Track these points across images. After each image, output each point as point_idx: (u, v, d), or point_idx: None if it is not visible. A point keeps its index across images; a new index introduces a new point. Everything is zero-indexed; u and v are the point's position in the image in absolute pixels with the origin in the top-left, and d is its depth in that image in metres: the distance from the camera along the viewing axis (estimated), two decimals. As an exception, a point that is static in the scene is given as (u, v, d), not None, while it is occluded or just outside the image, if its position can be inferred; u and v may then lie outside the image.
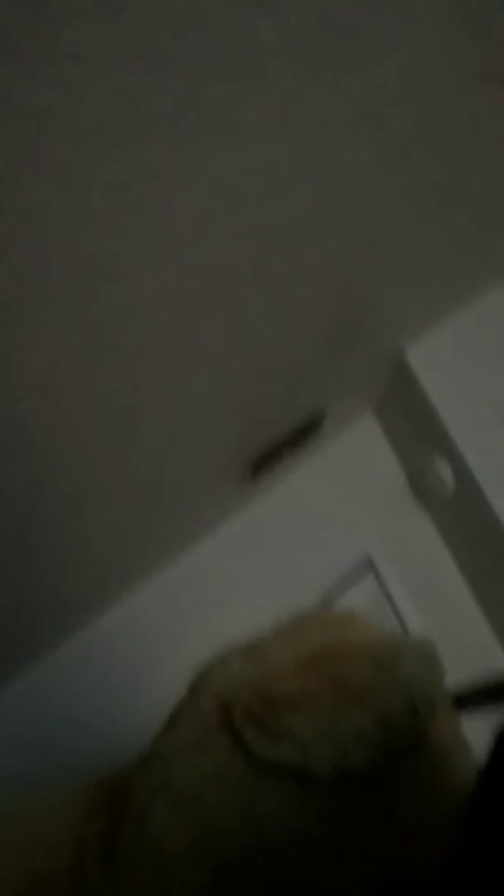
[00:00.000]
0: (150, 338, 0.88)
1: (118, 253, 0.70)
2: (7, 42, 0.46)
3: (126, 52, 0.52)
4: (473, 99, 0.92)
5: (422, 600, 1.96)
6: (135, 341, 0.86)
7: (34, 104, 0.50)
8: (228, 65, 0.60)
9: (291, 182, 0.81)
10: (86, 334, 0.78)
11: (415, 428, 1.89)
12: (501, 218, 1.36)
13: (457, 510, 1.88)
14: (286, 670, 0.69)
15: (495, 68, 0.89)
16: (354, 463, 2.00)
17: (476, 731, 0.63)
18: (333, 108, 0.74)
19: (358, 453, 2.01)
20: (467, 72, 0.86)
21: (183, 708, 0.71)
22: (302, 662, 0.69)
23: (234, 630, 0.76)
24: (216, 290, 0.89)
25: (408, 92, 0.80)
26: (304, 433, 1.66)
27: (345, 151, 0.82)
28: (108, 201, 0.63)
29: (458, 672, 0.70)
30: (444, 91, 0.86)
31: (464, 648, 1.70)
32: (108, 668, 1.79)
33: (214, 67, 0.59)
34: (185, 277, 0.83)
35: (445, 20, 0.74)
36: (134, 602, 1.85)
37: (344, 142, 0.80)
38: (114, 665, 1.80)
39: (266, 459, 1.62)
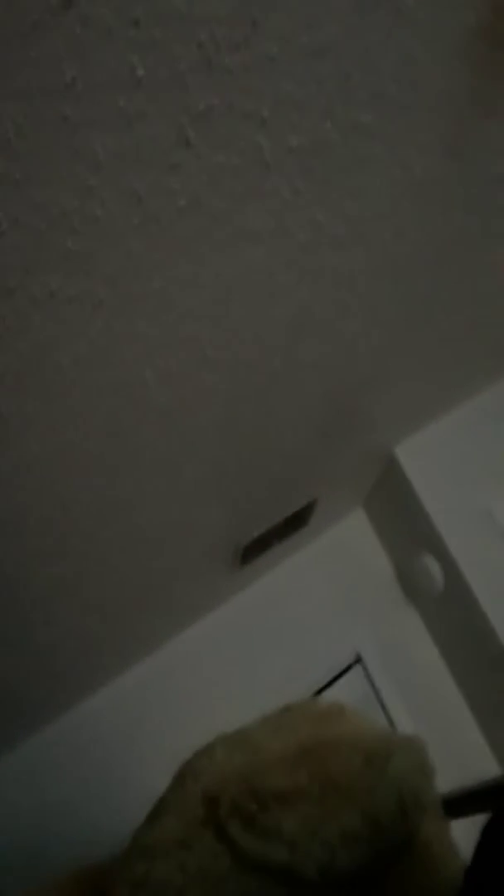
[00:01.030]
0: (148, 423, 0.92)
1: (118, 339, 0.75)
2: (28, 145, 0.51)
3: (136, 158, 0.58)
4: (462, 222, 1.02)
5: (410, 697, 1.91)
6: (132, 426, 0.90)
7: (50, 201, 0.57)
8: (232, 174, 0.66)
9: (286, 282, 0.86)
10: (86, 417, 0.82)
11: (404, 523, 1.90)
12: (490, 324, 1.46)
13: (445, 608, 1.86)
14: (274, 763, 0.68)
15: (480, 200, 1.00)
16: (343, 556, 2.00)
17: (463, 835, 0.62)
18: (327, 218, 0.81)
19: (347, 546, 2.02)
20: (454, 201, 0.96)
21: (168, 798, 0.69)
22: (290, 756, 0.68)
23: (220, 720, 0.75)
24: (212, 381, 0.93)
25: (397, 210, 0.89)
26: (293, 523, 1.68)
27: (338, 257, 0.89)
28: (111, 289, 0.68)
29: (446, 772, 0.69)
30: (433, 214, 0.95)
31: (452, 748, 1.64)
32: (92, 754, 1.72)
33: (218, 176, 0.65)
34: (183, 368, 0.86)
35: (434, 154, 0.84)
36: (119, 688, 1.79)
37: (337, 249, 0.87)
38: (97, 752, 1.72)
39: (255, 548, 1.63)
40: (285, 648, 1.89)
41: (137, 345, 0.78)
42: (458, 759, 1.26)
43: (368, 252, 0.94)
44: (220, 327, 0.85)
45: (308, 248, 0.84)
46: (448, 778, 0.69)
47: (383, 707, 1.91)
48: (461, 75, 0.75)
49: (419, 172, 0.86)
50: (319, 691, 1.90)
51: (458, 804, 0.68)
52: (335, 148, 0.72)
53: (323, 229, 0.83)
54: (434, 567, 1.84)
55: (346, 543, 2.02)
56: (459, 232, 1.05)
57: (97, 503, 1.00)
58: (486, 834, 0.45)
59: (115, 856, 0.67)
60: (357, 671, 1.97)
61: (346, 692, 1.94)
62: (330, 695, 1.90)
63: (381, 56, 0.66)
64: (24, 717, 1.56)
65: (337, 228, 0.84)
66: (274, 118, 0.64)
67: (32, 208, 0.55)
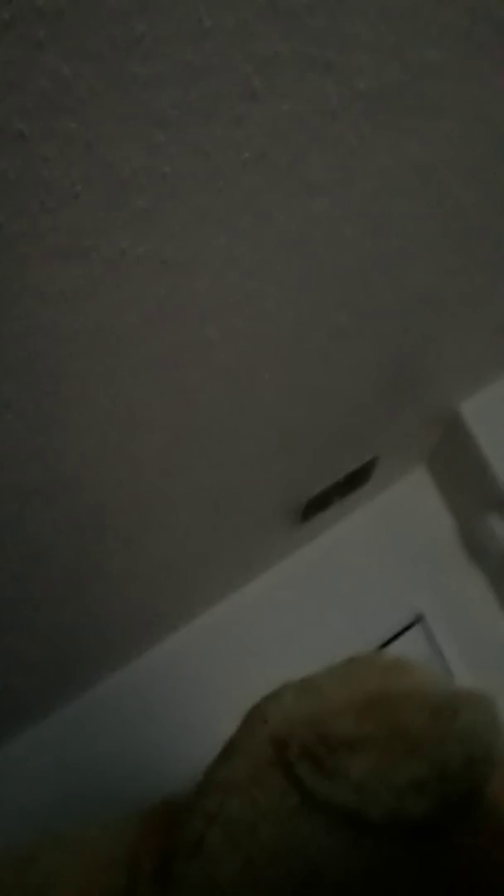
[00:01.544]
0: (212, 381, 0.93)
1: (184, 297, 0.76)
2: (100, 105, 0.52)
3: (203, 112, 0.58)
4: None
5: (473, 658, 1.92)
6: (197, 384, 0.91)
7: (120, 160, 0.57)
8: (296, 124, 0.65)
9: (350, 233, 0.85)
10: (154, 376, 0.84)
11: (469, 483, 1.87)
12: None
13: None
14: (341, 710, 0.69)
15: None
16: (405, 514, 1.98)
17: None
18: (392, 163, 0.78)
19: (409, 505, 1.99)
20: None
21: (238, 740, 0.72)
22: (357, 704, 0.69)
23: (284, 672, 0.77)
24: (276, 333, 0.93)
25: (467, 155, 0.86)
26: (354, 480, 1.67)
27: (402, 205, 0.86)
28: (177, 249, 0.69)
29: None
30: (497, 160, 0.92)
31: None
32: (160, 701, 1.80)
33: (283, 126, 0.64)
34: (247, 326, 0.87)
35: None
36: (184, 639, 1.85)
37: (401, 197, 0.85)
38: (166, 699, 1.80)
39: (316, 504, 1.64)
40: (346, 605, 1.90)
41: (202, 303, 0.78)
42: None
43: (437, 200, 0.91)
44: (283, 284, 0.85)
45: (373, 196, 0.82)
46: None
47: (445, 667, 1.92)
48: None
49: (491, 113, 0.82)
50: (381, 647, 1.92)
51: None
52: (403, 90, 0.70)
53: (389, 176, 0.80)
54: (501, 529, 1.81)
55: (409, 502, 1.99)
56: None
57: (163, 460, 1.03)
58: None
59: (185, 793, 0.70)
60: (419, 630, 1.98)
61: (407, 651, 1.94)
62: (392, 651, 1.89)
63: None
64: (90, 665, 1.64)
65: (403, 175, 0.82)
66: (340, 62, 0.62)
67: (104, 168, 0.56)
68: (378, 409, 1.42)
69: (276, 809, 0.62)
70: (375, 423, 1.49)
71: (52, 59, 0.47)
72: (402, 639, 1.96)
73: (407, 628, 1.97)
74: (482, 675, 1.87)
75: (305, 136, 0.67)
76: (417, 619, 1.98)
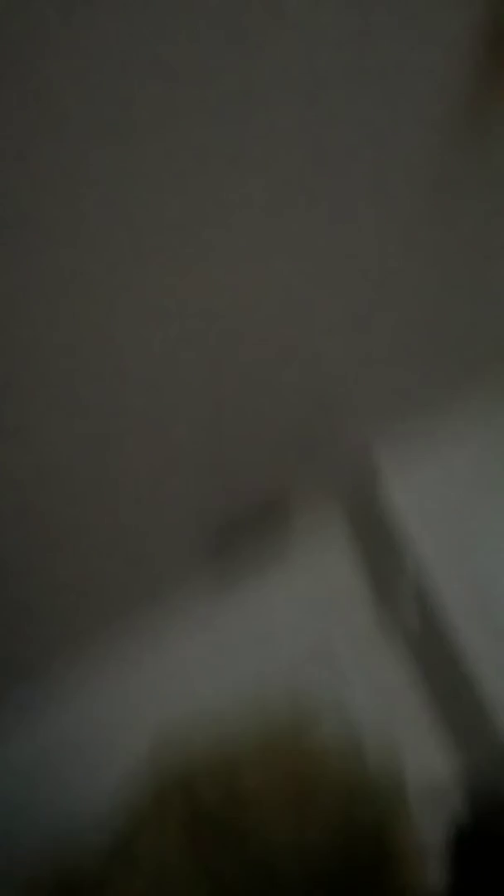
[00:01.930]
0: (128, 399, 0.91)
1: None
2: None
3: None
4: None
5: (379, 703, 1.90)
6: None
7: None
8: None
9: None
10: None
11: (384, 537, 1.89)
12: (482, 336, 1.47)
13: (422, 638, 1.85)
14: (250, 763, 0.68)
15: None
16: (320, 564, 1.99)
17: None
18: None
19: (323, 555, 2.01)
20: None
21: (140, 793, 0.69)
22: (265, 755, 0.69)
23: (191, 717, 0.74)
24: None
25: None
26: (268, 520, 1.67)
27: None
28: None
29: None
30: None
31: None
32: (58, 746, 1.66)
33: None
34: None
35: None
36: (88, 684, 1.75)
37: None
38: (64, 743, 1.66)
39: (226, 541, 1.61)
40: (260, 649, 1.86)
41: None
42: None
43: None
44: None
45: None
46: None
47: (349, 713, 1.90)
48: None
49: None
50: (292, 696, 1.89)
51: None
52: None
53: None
54: (412, 585, 1.84)
55: (324, 553, 1.99)
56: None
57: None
58: (457, 847, 0.46)
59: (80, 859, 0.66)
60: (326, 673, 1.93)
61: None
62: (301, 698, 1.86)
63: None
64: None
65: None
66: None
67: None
68: (293, 445, 1.43)
69: (177, 873, 0.58)
70: (291, 459, 1.49)
71: None
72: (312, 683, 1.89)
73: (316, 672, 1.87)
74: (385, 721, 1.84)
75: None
76: (327, 661, 1.92)
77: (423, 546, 1.79)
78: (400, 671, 1.98)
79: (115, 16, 0.46)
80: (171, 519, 1.39)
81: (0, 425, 0.82)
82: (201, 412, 1.11)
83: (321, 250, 0.91)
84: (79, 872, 0.65)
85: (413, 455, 1.80)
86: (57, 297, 0.71)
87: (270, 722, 0.73)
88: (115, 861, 0.63)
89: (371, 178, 0.82)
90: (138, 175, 0.63)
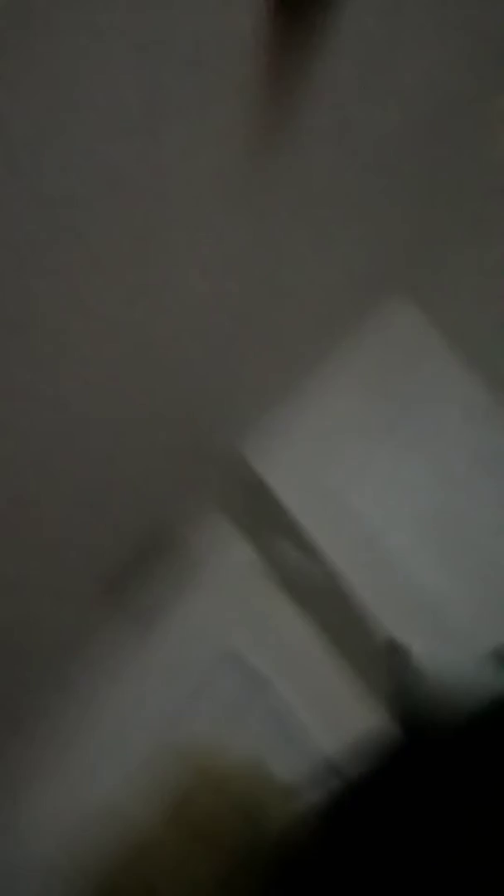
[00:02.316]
0: None
1: None
2: None
3: None
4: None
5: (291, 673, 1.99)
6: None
7: None
8: None
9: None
10: None
11: (262, 515, 1.96)
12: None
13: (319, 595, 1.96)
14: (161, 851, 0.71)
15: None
16: (211, 565, 2.01)
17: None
18: None
19: (212, 554, 2.02)
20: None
21: None
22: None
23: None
24: None
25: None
26: (155, 549, 1.65)
27: None
28: None
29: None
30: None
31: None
32: None
33: None
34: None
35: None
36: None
37: None
38: None
39: (121, 582, 1.59)
40: (169, 678, 1.88)
41: None
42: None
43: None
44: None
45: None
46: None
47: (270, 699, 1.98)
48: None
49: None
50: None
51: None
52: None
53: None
54: (298, 555, 1.92)
55: (212, 549, 2.01)
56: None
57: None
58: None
59: None
60: (233, 668, 2.00)
61: (227, 696, 1.95)
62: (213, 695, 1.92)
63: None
64: None
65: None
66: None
67: None
68: (166, 466, 1.41)
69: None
70: (167, 481, 1.47)
71: None
72: (223, 683, 1.95)
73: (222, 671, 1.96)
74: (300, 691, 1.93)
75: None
76: (234, 659, 1.99)
77: (300, 511, 1.87)
78: (303, 634, 2.10)
79: None
80: (62, 573, 1.33)
81: None
82: (71, 459, 1.05)
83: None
84: None
85: (270, 439, 1.86)
86: None
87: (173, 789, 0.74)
88: None
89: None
90: None
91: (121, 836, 0.68)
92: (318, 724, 1.88)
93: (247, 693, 1.98)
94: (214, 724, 1.88)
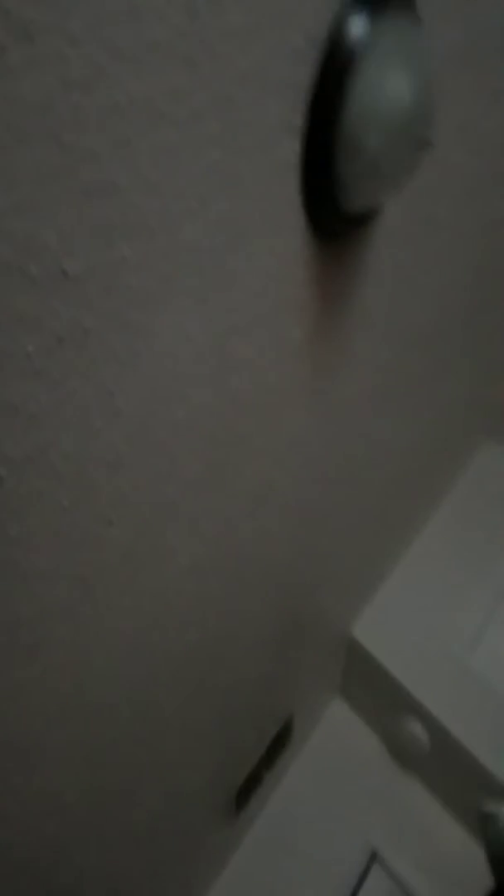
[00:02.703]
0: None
1: None
2: None
3: None
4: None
5: (435, 876, 1.81)
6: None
7: None
8: None
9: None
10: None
11: (380, 697, 1.87)
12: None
13: (437, 763, 1.83)
14: None
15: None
16: (332, 752, 1.92)
17: None
18: None
19: (333, 741, 1.93)
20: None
21: None
22: None
23: None
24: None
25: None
26: (276, 747, 1.57)
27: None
28: None
29: None
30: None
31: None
32: None
33: None
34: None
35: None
36: None
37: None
38: None
39: (246, 788, 1.50)
40: (304, 873, 1.73)
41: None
42: None
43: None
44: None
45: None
46: None
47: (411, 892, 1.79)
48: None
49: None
50: None
51: None
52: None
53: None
54: (417, 728, 1.80)
55: (332, 739, 1.95)
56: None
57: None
58: None
59: None
60: (378, 869, 1.84)
61: (374, 891, 1.81)
62: None
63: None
64: None
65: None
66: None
67: None
68: (278, 668, 1.39)
69: None
70: (280, 683, 1.44)
71: None
72: (367, 883, 1.82)
73: (367, 871, 1.83)
74: (445, 887, 1.77)
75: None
76: (373, 858, 1.84)
77: (410, 679, 1.78)
78: (432, 809, 1.91)
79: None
80: (196, 816, 1.28)
81: None
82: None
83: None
84: None
85: (380, 614, 1.84)
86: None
87: None
88: None
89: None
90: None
91: None
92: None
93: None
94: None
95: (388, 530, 1.66)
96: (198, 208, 0.45)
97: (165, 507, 0.61)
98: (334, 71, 0.55)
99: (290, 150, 0.53)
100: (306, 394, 0.81)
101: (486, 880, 1.79)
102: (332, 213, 0.63)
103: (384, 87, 0.57)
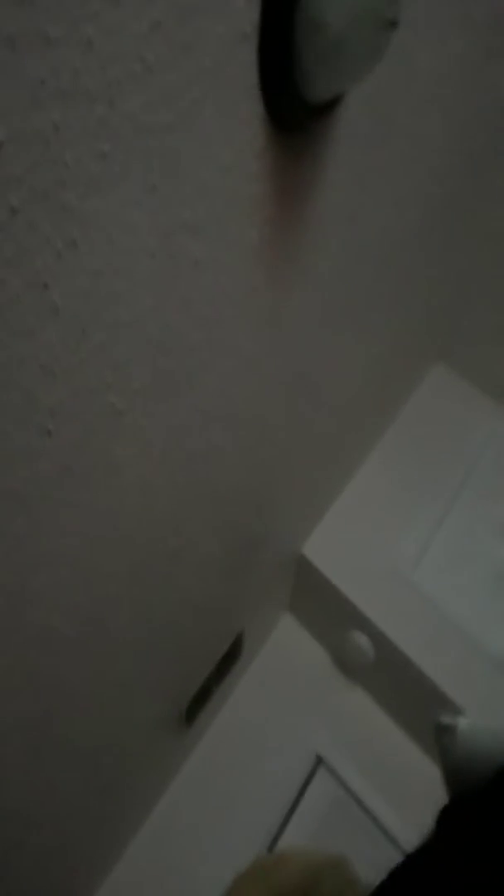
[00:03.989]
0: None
1: None
2: None
3: None
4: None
5: (376, 772, 1.94)
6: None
7: None
8: None
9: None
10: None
11: (328, 612, 1.95)
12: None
13: (382, 672, 1.92)
14: None
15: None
16: (281, 665, 2.00)
17: None
18: None
19: (282, 655, 2.02)
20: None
21: None
22: None
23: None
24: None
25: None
26: (226, 662, 1.62)
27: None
28: None
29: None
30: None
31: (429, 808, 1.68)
32: None
33: None
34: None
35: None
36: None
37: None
38: None
39: (197, 703, 1.55)
40: (253, 781, 1.85)
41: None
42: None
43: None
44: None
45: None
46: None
47: (356, 798, 1.92)
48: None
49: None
50: (292, 809, 1.89)
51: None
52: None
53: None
54: (362, 640, 1.88)
55: (281, 652, 2.03)
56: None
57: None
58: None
59: None
60: (323, 773, 1.96)
61: (319, 798, 1.93)
62: (306, 805, 1.90)
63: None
64: None
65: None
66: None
67: None
68: (229, 589, 1.41)
69: None
70: (231, 603, 1.46)
71: None
72: (312, 786, 1.94)
73: (311, 777, 1.95)
74: (387, 785, 1.90)
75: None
76: (318, 763, 1.96)
77: (357, 595, 1.84)
78: (378, 718, 2.04)
79: None
80: (146, 729, 1.31)
81: None
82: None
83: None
84: None
85: (329, 533, 1.88)
86: None
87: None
88: None
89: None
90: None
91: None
92: (399, 820, 1.82)
93: (336, 801, 1.91)
94: (307, 834, 1.84)
95: (339, 450, 1.66)
96: (140, 74, 0.39)
97: (109, 419, 0.58)
98: None
99: (245, 17, 0.48)
100: (260, 304, 0.77)
101: (426, 784, 1.91)
102: (291, 98, 0.58)
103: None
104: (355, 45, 0.56)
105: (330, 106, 0.67)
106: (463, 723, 0.62)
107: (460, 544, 2.03)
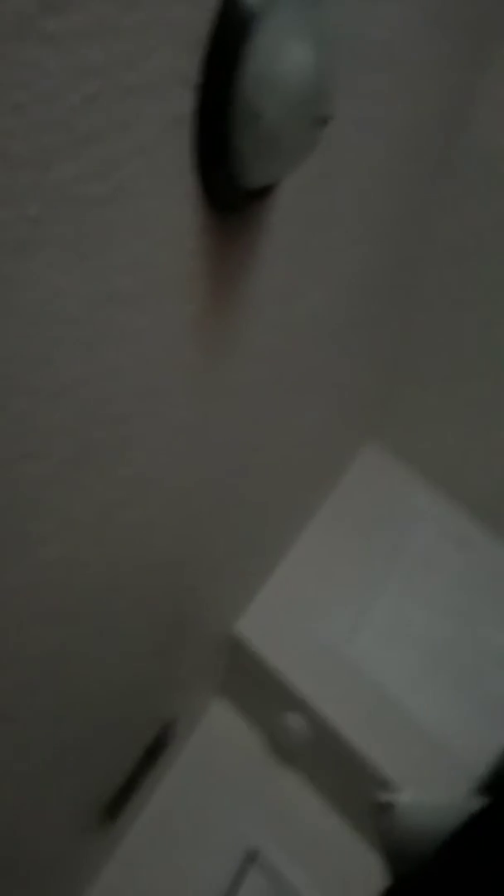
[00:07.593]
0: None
1: None
2: None
3: None
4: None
5: (311, 865, 1.85)
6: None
7: None
8: None
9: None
10: None
11: (263, 692, 1.88)
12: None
13: (318, 754, 1.85)
14: None
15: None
16: (213, 752, 1.91)
17: None
18: None
19: (214, 741, 1.92)
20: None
21: None
22: None
23: None
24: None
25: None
26: (154, 751, 1.52)
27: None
28: None
29: None
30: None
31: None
32: None
33: None
34: None
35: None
36: None
37: None
38: None
39: (120, 798, 1.44)
40: (179, 880, 1.74)
41: None
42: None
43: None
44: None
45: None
46: None
47: (294, 890, 1.83)
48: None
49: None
50: None
51: None
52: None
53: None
54: (297, 721, 1.82)
55: (213, 738, 1.94)
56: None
57: None
58: None
59: None
60: (257, 869, 1.85)
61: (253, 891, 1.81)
62: None
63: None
64: None
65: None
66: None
67: None
68: (159, 670, 1.34)
69: None
70: (161, 684, 1.39)
71: None
72: (245, 884, 1.82)
73: (245, 871, 1.82)
74: (326, 883, 1.81)
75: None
76: (251, 859, 1.85)
77: (292, 674, 1.80)
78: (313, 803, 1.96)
79: None
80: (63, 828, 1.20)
81: None
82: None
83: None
84: None
85: (263, 611, 1.85)
86: None
87: None
88: None
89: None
90: None
91: None
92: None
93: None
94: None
95: (272, 526, 1.65)
96: (71, 144, 0.39)
97: (31, 491, 0.55)
98: (231, 27, 0.52)
99: (182, 100, 0.49)
100: (194, 376, 0.77)
101: (365, 870, 1.83)
102: (227, 182, 0.60)
103: (282, 54, 0.54)
104: (289, 137, 0.58)
105: (265, 191, 0.69)
106: (401, 800, 0.59)
107: (394, 620, 2.03)
